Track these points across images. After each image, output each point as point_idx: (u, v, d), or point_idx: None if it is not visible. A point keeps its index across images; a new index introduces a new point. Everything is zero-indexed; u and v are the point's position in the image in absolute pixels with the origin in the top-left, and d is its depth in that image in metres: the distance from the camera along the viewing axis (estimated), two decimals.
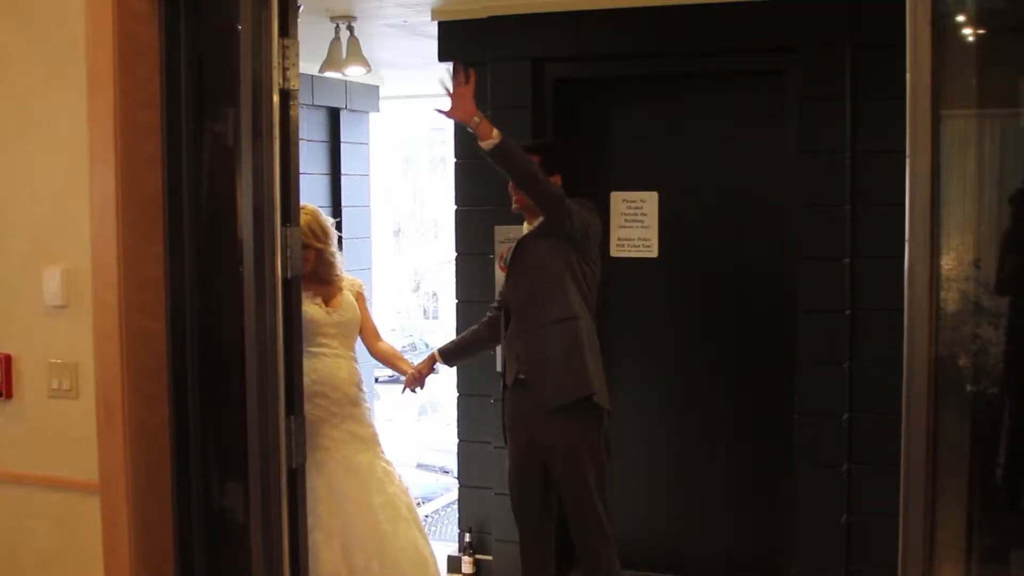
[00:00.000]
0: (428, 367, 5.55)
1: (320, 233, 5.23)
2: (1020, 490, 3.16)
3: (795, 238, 6.05)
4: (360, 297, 5.44)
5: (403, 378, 5.61)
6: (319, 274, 5.22)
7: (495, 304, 5.59)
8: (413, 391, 5.63)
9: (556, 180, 5.06)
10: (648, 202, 6.43)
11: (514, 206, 5.24)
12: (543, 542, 5.35)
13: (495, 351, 5.99)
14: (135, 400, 3.76)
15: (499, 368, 5.70)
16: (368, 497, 5.15)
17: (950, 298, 3.03)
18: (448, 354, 5.61)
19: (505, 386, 5.28)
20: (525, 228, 5.28)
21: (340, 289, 5.30)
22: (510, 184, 5.16)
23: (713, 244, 6.40)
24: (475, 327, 5.67)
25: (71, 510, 3.93)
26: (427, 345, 19.37)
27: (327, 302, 5.23)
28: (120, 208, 3.70)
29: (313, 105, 9.53)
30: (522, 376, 5.13)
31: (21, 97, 3.92)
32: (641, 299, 6.56)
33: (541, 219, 5.08)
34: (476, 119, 4.80)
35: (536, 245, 5.13)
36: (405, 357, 5.78)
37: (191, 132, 3.82)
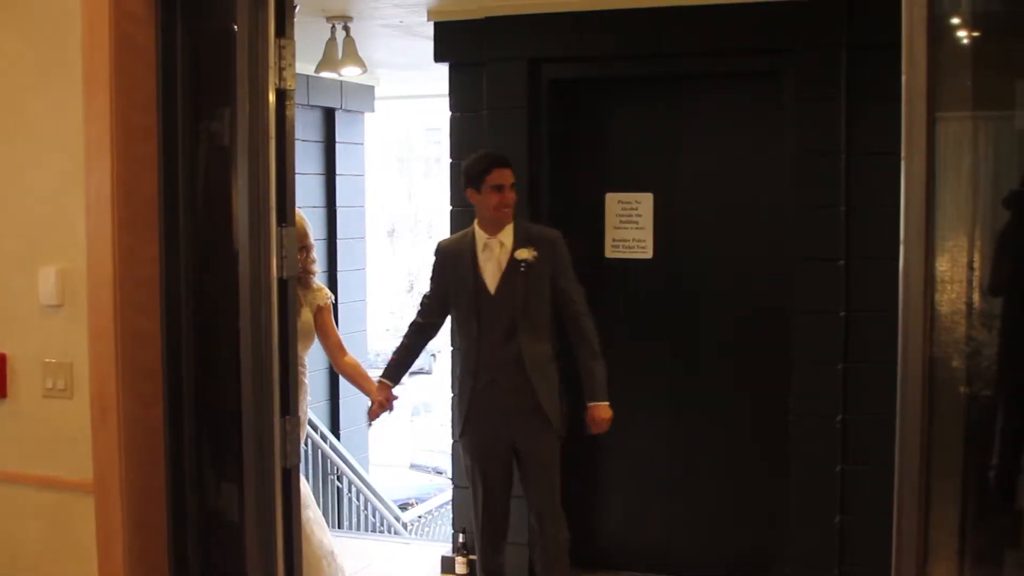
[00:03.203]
0: (388, 393, 5.67)
1: (310, 233, 5.26)
2: (1013, 491, 3.17)
3: (790, 239, 6.06)
4: (326, 309, 5.39)
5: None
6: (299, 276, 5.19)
7: (421, 310, 5.77)
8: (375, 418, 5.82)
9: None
10: (643, 203, 6.44)
11: (502, 213, 5.48)
12: (505, 519, 5.70)
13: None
14: (130, 400, 3.76)
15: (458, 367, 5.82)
16: None
17: (944, 300, 3.03)
18: (394, 377, 5.75)
19: (475, 383, 5.54)
20: (499, 240, 5.50)
21: (302, 306, 5.22)
22: (498, 198, 5.43)
23: (708, 245, 6.41)
24: (406, 342, 5.81)
25: (65, 510, 3.93)
26: None
27: None
28: (116, 208, 3.70)
29: (308, 105, 9.55)
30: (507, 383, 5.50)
31: (17, 97, 3.92)
32: (635, 300, 6.56)
33: (533, 252, 5.45)
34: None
35: (534, 272, 5.45)
36: (369, 375, 5.79)
37: (187, 132, 3.83)
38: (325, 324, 5.38)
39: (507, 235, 5.48)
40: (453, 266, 5.57)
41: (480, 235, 5.51)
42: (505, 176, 5.43)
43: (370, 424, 5.79)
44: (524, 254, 5.42)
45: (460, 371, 5.68)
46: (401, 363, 5.80)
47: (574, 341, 5.52)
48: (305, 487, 5.17)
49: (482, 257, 5.48)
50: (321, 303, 5.33)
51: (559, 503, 5.59)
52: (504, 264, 5.45)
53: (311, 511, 5.18)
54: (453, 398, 5.83)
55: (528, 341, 5.43)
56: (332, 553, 5.22)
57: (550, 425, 5.49)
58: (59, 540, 3.97)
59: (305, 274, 5.26)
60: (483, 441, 5.58)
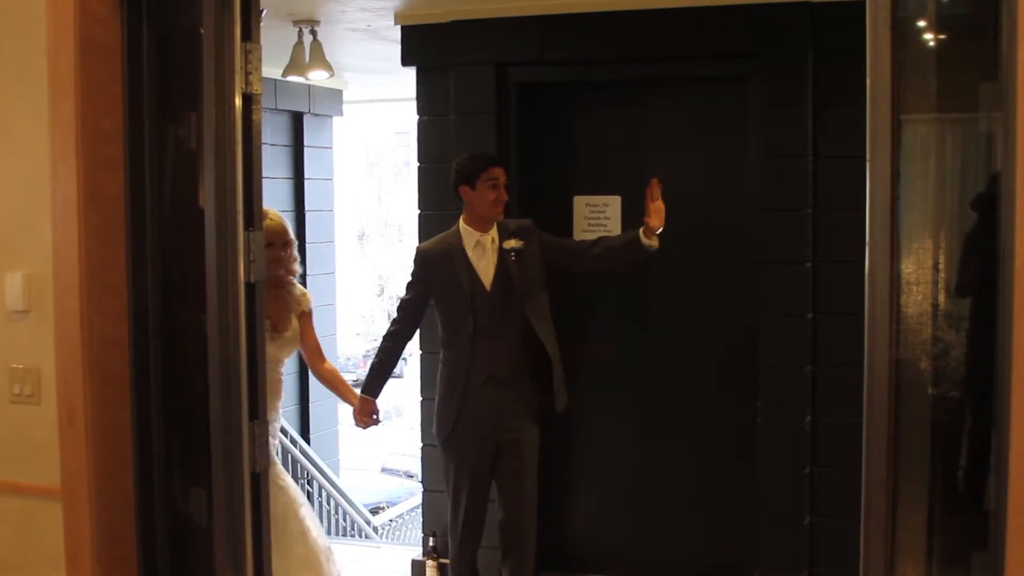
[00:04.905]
0: (372, 407, 5.74)
1: (289, 230, 5.20)
2: (980, 492, 3.18)
3: (758, 242, 6.08)
4: (306, 316, 5.35)
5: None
6: (279, 277, 5.09)
7: (399, 316, 5.75)
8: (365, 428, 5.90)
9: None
10: (611, 206, 6.44)
11: (499, 209, 5.58)
12: (484, 521, 5.74)
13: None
14: (97, 405, 3.74)
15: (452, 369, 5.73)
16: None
17: (911, 301, 3.05)
18: (374, 391, 5.77)
19: (469, 382, 5.56)
20: (490, 236, 5.60)
21: (289, 312, 5.18)
22: (495, 195, 5.55)
23: (676, 248, 6.40)
24: (385, 356, 5.79)
25: (33, 516, 3.90)
26: None
27: (276, 327, 5.04)
28: (82, 212, 3.68)
29: (276, 109, 9.51)
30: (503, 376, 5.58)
31: None
32: (604, 303, 6.57)
33: (518, 242, 5.57)
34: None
35: (523, 259, 5.58)
36: (347, 381, 5.77)
37: (153, 136, 3.81)
38: (305, 329, 5.34)
39: (495, 232, 5.59)
40: (441, 268, 5.59)
41: (470, 233, 5.57)
42: (500, 174, 5.55)
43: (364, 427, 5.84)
44: (512, 243, 5.53)
45: (448, 373, 5.65)
46: (382, 376, 5.80)
47: (601, 246, 5.67)
48: (294, 486, 5.15)
49: (474, 255, 5.56)
50: (305, 308, 5.29)
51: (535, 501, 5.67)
52: (496, 259, 5.55)
53: (305, 508, 5.14)
54: (436, 402, 5.74)
55: (534, 324, 5.51)
56: (329, 549, 5.19)
57: (535, 415, 5.62)
58: (27, 547, 3.94)
59: (287, 276, 5.16)
60: (475, 442, 5.58)
